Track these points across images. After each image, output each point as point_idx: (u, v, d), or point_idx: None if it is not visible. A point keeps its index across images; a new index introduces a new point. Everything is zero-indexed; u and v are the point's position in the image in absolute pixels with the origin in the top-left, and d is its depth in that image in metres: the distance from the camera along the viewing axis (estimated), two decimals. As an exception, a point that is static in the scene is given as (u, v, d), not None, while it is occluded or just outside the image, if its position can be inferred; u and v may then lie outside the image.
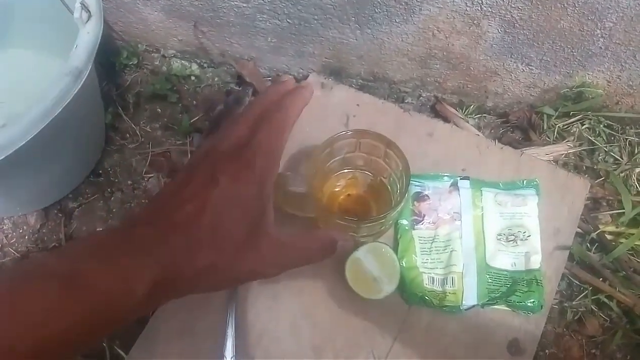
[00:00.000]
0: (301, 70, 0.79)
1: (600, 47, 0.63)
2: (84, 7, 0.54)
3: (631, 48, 0.62)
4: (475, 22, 0.62)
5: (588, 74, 0.68)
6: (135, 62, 0.80)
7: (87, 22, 0.55)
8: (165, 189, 0.37)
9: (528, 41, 0.64)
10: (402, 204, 0.55)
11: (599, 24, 0.59)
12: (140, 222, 0.34)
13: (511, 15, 0.60)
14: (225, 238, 0.34)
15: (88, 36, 0.54)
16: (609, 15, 0.57)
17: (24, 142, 0.49)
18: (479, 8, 0.60)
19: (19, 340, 0.26)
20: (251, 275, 0.38)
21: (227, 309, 0.60)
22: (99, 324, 0.29)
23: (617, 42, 0.61)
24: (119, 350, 0.64)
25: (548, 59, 0.66)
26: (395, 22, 0.64)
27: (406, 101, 0.80)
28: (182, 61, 0.83)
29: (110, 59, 0.80)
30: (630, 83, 0.68)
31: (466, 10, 0.60)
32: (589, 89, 0.69)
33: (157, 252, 0.32)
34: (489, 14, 0.60)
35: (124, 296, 0.30)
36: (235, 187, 0.34)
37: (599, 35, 0.61)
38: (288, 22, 0.68)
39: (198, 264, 0.33)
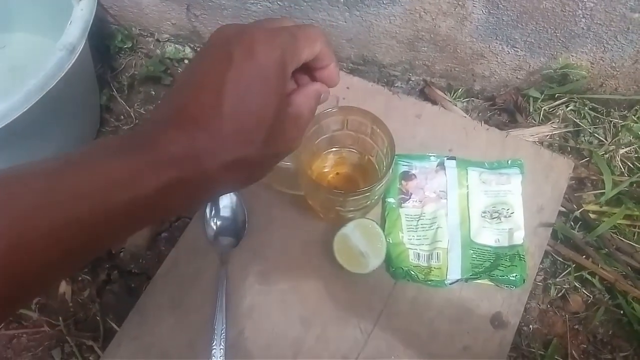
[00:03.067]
0: (293, 54, 0.81)
1: (583, 28, 0.64)
2: (78, -15, 0.56)
3: (612, 29, 0.63)
4: (460, 2, 0.63)
5: (572, 55, 0.69)
6: (130, 45, 0.82)
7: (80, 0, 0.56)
8: (177, 81, 0.32)
9: (512, 22, 0.65)
10: (387, 177, 0.56)
11: (580, 4, 0.60)
12: (153, 120, 0.30)
13: (495, -4, 0.61)
14: (252, 128, 0.30)
15: (82, 13, 0.56)
16: (590, -5, 0.59)
17: (20, 113, 0.50)
18: (464, -11, 0.61)
19: (7, 228, 0.23)
20: (278, 159, 0.34)
21: (217, 284, 0.62)
22: (96, 223, 0.25)
23: (598, 22, 0.63)
24: (112, 324, 0.66)
25: (532, 41, 0.68)
26: (383, 3, 0.66)
27: (396, 85, 0.82)
28: (176, 45, 0.84)
29: (105, 42, 0.82)
30: (613, 64, 0.69)
31: (451, -9, 0.62)
32: (573, 70, 0.71)
33: (175, 148, 0.28)
34: (473, -6, 0.62)
35: (128, 191, 0.26)
36: (253, 64, 0.29)
37: (581, 16, 0.62)
38: (278, 4, 0.70)
39: (225, 160, 0.29)
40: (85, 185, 0.25)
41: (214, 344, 0.59)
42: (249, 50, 0.29)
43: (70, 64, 0.53)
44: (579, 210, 0.69)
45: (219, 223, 0.64)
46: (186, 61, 0.84)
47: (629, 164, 0.74)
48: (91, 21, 0.56)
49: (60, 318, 0.67)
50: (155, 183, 0.27)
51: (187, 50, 0.84)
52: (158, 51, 0.83)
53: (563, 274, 0.69)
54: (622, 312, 0.66)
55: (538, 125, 0.74)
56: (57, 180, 0.25)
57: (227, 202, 0.65)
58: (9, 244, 0.23)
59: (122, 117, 0.79)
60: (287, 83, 0.31)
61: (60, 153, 0.27)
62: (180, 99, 0.30)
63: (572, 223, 0.70)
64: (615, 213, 0.69)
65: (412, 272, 0.61)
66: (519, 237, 0.63)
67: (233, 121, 0.29)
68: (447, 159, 0.68)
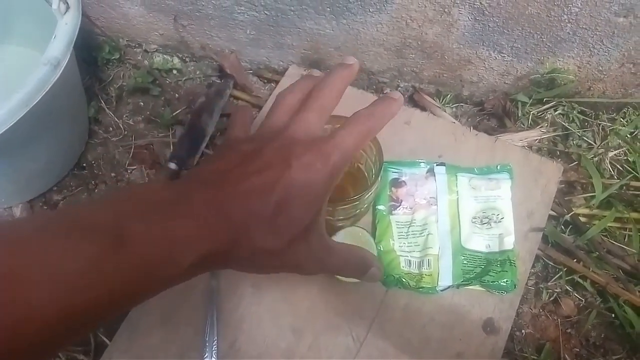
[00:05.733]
0: (281, 63, 0.81)
1: (569, 33, 0.64)
2: (62, -1, 0.56)
3: (598, 33, 0.64)
4: (446, 10, 0.63)
5: (558, 60, 0.70)
6: (118, 56, 0.82)
7: (65, 13, 0.56)
8: (230, 152, 0.34)
9: (498, 28, 0.65)
10: (376, 186, 0.57)
11: (565, 10, 0.61)
12: (198, 183, 0.32)
13: (480, 3, 0.61)
14: (286, 225, 0.32)
15: (66, 27, 0.55)
16: (574, 0, 0.59)
17: (5, 129, 0.50)
18: (449, -4, 0.62)
19: (46, 306, 0.23)
20: (295, 269, 0.36)
21: (208, 296, 0.62)
22: (135, 293, 0.27)
23: (584, 27, 0.63)
24: (104, 338, 0.65)
25: (519, 46, 0.68)
26: (369, 11, 0.66)
27: (385, 92, 0.82)
28: (164, 55, 0.84)
29: (92, 54, 0.81)
30: (600, 68, 0.70)
31: (437, -2, 0.62)
32: (560, 74, 0.71)
33: (212, 222, 0.29)
34: (458, 1, 0.62)
35: (169, 264, 0.28)
36: (306, 177, 0.32)
37: (566, 21, 0.62)
38: (265, 13, 0.70)
39: (252, 245, 0.31)
40: (133, 261, 0.26)
41: (205, 356, 0.59)
42: (306, 166, 0.32)
43: (55, 79, 0.53)
44: (569, 214, 0.69)
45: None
46: (174, 71, 0.84)
47: (618, 166, 0.74)
48: (76, 35, 0.56)
49: (50, 333, 0.66)
50: (191, 257, 0.28)
51: (176, 60, 0.84)
52: (146, 62, 0.83)
53: (554, 278, 0.69)
54: (614, 315, 0.66)
55: (527, 130, 0.74)
56: (108, 250, 0.26)
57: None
58: (59, 311, 0.24)
59: (110, 128, 0.79)
60: (326, 200, 0.34)
61: (109, 197, 0.30)
62: (232, 172, 0.32)
63: (562, 227, 0.70)
64: (605, 216, 0.69)
65: (404, 280, 0.61)
66: (509, 243, 0.63)
67: (273, 213, 0.31)
68: (437, 165, 0.68)
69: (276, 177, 0.31)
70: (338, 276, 0.60)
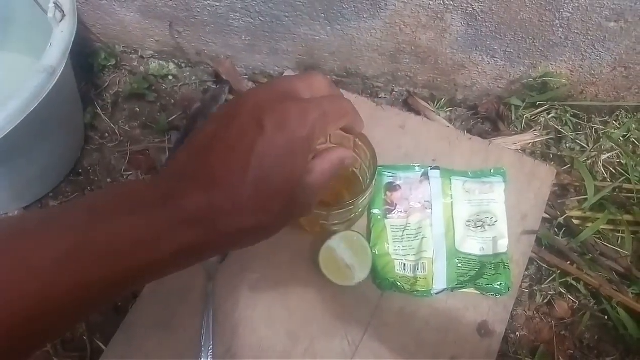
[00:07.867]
0: (277, 68, 0.81)
1: (561, 37, 0.65)
2: (58, 7, 0.56)
3: (590, 37, 0.64)
4: (439, 16, 0.64)
5: (551, 64, 0.70)
6: (114, 63, 0.82)
7: (60, 21, 0.56)
8: (202, 134, 0.32)
9: (491, 33, 0.66)
10: (370, 191, 0.57)
11: (557, 15, 0.61)
12: (176, 173, 0.31)
13: (472, 8, 0.62)
14: (272, 198, 0.30)
15: (62, 35, 0.56)
16: (566, 5, 0.60)
17: (1, 136, 0.50)
18: (442, 2, 0.62)
19: (23, 300, 0.23)
20: (289, 223, 0.34)
21: (205, 300, 0.62)
22: (114, 283, 0.26)
23: (575, 31, 0.64)
24: (99, 343, 0.65)
25: (512, 51, 0.68)
26: (363, 17, 0.67)
27: (380, 96, 0.82)
28: (160, 61, 0.85)
29: (88, 60, 0.82)
30: (592, 72, 0.70)
31: (429, 4, 0.63)
32: (552, 78, 0.72)
33: (193, 210, 0.28)
34: (451, 7, 0.62)
35: (149, 254, 0.27)
36: (282, 136, 0.30)
37: (558, 26, 0.63)
38: (260, 19, 0.70)
39: (240, 226, 0.30)
40: (112, 246, 0.26)
41: (201, 360, 0.59)
42: (281, 124, 0.30)
43: (51, 86, 0.53)
44: (563, 217, 0.69)
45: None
46: (170, 77, 0.84)
47: (611, 169, 0.75)
48: (71, 43, 0.57)
49: (47, 338, 0.66)
50: (174, 246, 0.28)
51: (172, 66, 0.84)
52: (142, 68, 0.84)
53: (548, 281, 0.69)
54: (607, 317, 0.67)
55: (520, 133, 0.75)
56: (84, 237, 0.25)
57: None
58: (34, 301, 0.24)
59: (106, 134, 0.79)
60: (310, 156, 0.32)
61: (87, 196, 0.29)
62: (205, 157, 0.30)
63: (556, 229, 0.71)
64: (598, 219, 0.69)
65: (399, 283, 0.62)
66: (503, 245, 0.63)
67: (254, 190, 0.29)
68: (431, 169, 0.68)
69: (249, 149, 0.29)
70: (334, 280, 0.60)
